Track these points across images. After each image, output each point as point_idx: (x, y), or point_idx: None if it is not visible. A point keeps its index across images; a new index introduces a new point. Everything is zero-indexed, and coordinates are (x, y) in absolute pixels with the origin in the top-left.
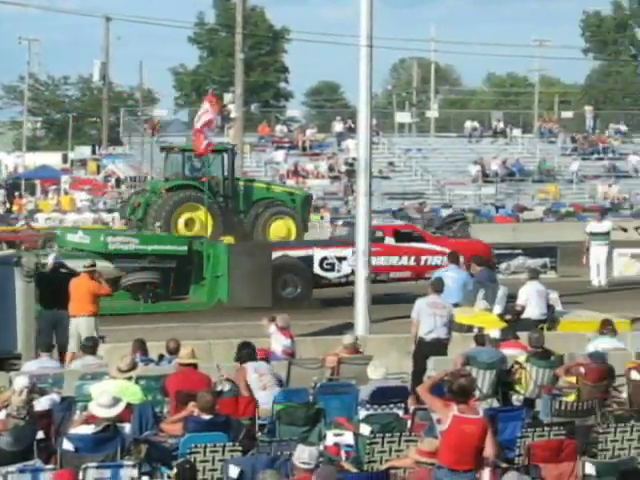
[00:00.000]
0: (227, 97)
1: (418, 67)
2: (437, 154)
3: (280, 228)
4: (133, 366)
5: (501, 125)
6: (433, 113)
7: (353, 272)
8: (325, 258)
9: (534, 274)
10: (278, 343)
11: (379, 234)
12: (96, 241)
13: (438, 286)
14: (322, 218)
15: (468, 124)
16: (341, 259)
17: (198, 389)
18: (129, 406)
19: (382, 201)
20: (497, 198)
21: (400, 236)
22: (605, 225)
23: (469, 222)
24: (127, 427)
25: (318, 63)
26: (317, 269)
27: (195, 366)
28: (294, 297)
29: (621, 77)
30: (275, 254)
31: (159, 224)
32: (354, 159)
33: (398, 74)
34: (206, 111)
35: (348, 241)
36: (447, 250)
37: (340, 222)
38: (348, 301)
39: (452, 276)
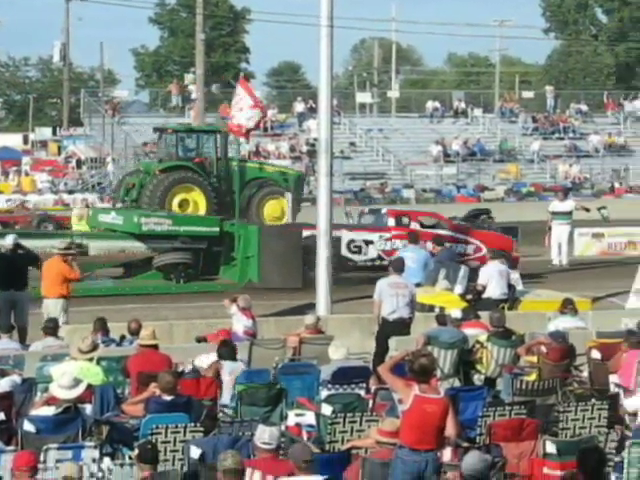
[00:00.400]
0: (188, 78)
1: (379, 47)
2: (398, 134)
3: (274, 208)
4: (94, 347)
5: (462, 105)
6: (394, 93)
7: (379, 257)
8: (352, 241)
9: (495, 254)
10: (240, 323)
11: (405, 220)
12: (129, 222)
13: (399, 266)
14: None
15: (429, 104)
16: (368, 243)
17: (159, 370)
18: (90, 387)
19: (343, 181)
20: (458, 178)
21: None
22: (568, 204)
23: (493, 216)
24: (88, 408)
25: (279, 44)
26: (344, 251)
27: (156, 347)
28: None
29: (582, 57)
30: (303, 234)
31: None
32: (315, 139)
33: (359, 54)
34: (241, 98)
35: (376, 226)
36: (471, 240)
37: (366, 209)
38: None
39: (412, 256)
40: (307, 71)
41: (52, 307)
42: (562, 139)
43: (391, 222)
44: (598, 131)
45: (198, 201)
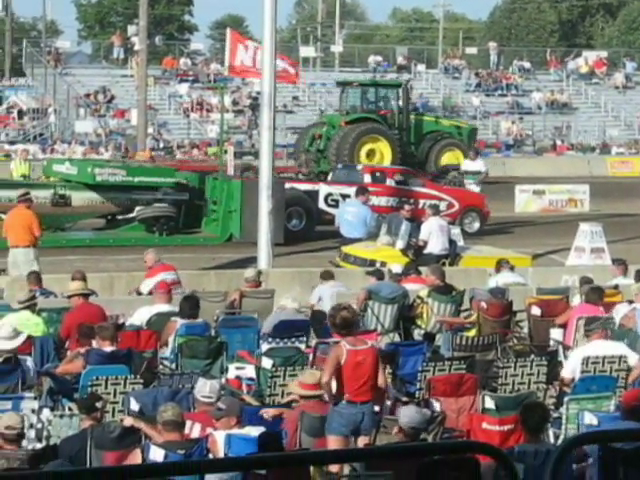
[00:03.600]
0: (131, 29)
1: (323, 1)
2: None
3: (450, 159)
4: (32, 297)
5: (405, 61)
6: (337, 48)
7: None
8: (330, 194)
9: (435, 210)
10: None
11: (381, 175)
12: (83, 172)
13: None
14: (226, 152)
15: (371, 58)
16: (345, 196)
17: (96, 321)
18: (30, 339)
19: (286, 135)
20: None
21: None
22: (478, 164)
23: (463, 172)
24: (29, 360)
25: None
26: (322, 204)
27: (86, 296)
28: (299, 230)
29: (525, 14)
30: None
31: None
32: (258, 93)
33: (303, 8)
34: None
35: (350, 180)
36: (444, 196)
37: (340, 165)
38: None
39: (353, 211)
40: (251, 24)
41: (22, 256)
42: (505, 96)
43: (367, 178)
44: (540, 88)
45: (384, 151)
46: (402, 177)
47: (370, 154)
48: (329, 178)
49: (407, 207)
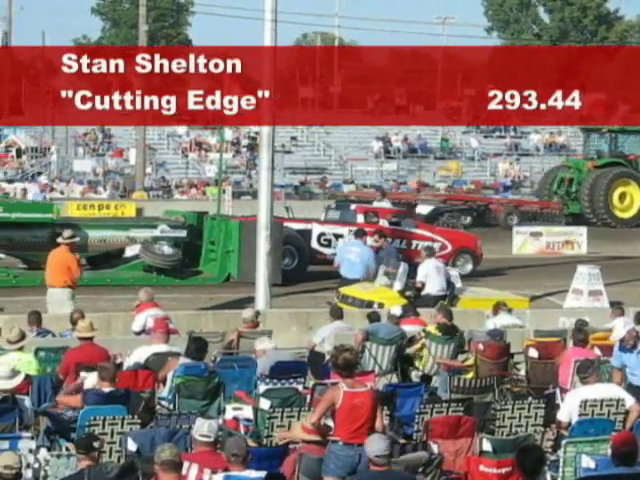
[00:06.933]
0: None
1: (322, 42)
2: (340, 129)
3: None
4: (22, 336)
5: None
6: (336, 88)
7: None
8: (323, 234)
9: (430, 251)
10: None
11: (374, 215)
12: None
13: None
14: (224, 192)
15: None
16: (338, 236)
17: (97, 362)
18: (28, 378)
19: (284, 175)
20: (399, 174)
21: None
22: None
23: (456, 214)
24: (26, 399)
25: (222, 36)
26: (314, 244)
27: (92, 339)
28: (291, 269)
29: (523, 55)
30: None
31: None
32: (257, 133)
33: (301, 48)
34: None
35: (344, 220)
36: (437, 237)
37: (333, 205)
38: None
39: (356, 251)
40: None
41: (57, 296)
42: (503, 137)
43: (360, 219)
44: (539, 130)
45: (634, 194)
46: (395, 218)
47: (622, 197)
48: (322, 218)
49: None
